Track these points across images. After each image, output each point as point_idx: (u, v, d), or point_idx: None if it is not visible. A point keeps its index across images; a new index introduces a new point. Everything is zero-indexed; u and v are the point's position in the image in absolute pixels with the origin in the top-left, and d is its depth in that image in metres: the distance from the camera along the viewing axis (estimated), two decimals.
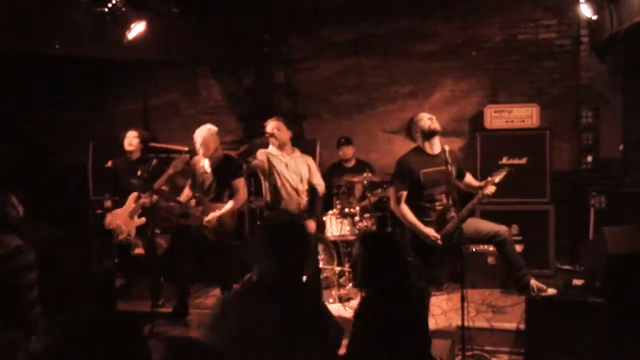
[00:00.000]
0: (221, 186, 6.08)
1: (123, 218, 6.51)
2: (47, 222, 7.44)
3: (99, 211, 7.20)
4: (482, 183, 5.24)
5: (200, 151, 6.04)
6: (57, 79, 8.59)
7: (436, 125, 5.17)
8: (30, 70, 7.96)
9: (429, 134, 5.16)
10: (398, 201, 5.18)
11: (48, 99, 8.87)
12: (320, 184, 6.27)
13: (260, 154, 6.02)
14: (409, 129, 5.33)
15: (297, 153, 6.24)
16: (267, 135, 5.98)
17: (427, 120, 5.17)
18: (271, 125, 6.04)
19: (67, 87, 8.85)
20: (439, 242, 5.06)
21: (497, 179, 5.18)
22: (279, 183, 6.02)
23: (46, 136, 9.01)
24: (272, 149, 6.09)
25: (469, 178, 5.50)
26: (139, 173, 6.41)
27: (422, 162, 5.17)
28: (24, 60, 7.32)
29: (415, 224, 5.11)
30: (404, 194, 5.17)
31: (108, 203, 6.72)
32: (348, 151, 7.68)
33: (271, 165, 6.00)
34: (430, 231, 5.08)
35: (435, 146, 5.22)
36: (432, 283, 5.53)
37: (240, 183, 6.06)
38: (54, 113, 9.02)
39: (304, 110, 8.72)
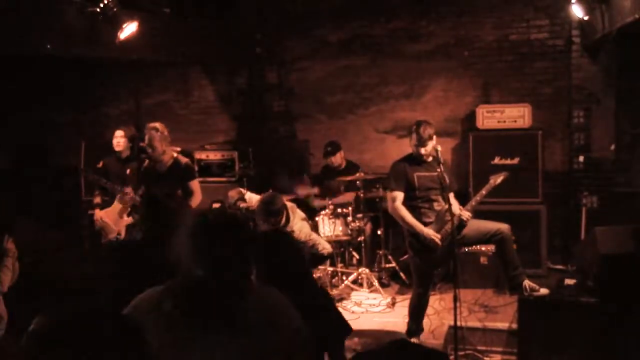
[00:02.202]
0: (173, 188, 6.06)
1: (112, 217, 6.50)
2: (40, 222, 7.45)
3: (90, 211, 7.19)
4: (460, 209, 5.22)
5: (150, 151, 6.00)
6: (49, 80, 8.55)
7: (424, 150, 5.19)
8: (23, 71, 7.93)
9: (418, 145, 5.19)
10: (395, 202, 5.19)
11: (41, 99, 8.84)
12: None
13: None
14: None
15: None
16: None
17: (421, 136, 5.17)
18: None
19: (60, 88, 8.82)
20: (439, 242, 5.05)
21: (499, 180, 5.22)
22: None
23: (39, 136, 8.97)
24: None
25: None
26: (128, 172, 6.42)
27: (415, 166, 5.20)
28: (16, 60, 7.29)
29: (415, 225, 5.11)
30: (400, 195, 5.18)
31: (97, 199, 6.73)
32: (336, 159, 7.60)
33: None
34: (430, 232, 5.08)
35: (428, 152, 5.24)
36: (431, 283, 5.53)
37: (195, 185, 6.10)
38: (47, 113, 8.99)
39: (297, 111, 8.71)
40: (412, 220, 5.13)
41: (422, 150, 5.17)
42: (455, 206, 5.25)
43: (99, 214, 6.60)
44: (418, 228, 5.09)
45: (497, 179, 5.29)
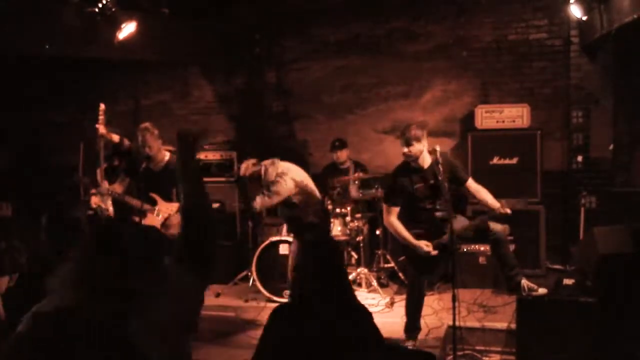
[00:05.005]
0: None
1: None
2: (40, 223, 7.44)
3: (90, 212, 7.18)
4: (500, 204, 5.19)
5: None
6: (48, 80, 8.55)
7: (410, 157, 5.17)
8: (22, 71, 7.93)
9: (403, 144, 5.17)
10: (390, 217, 5.20)
11: (40, 99, 8.84)
12: None
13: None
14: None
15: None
16: None
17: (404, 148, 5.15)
18: None
19: (59, 88, 8.82)
20: (432, 252, 5.06)
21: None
22: None
23: (39, 137, 8.97)
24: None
25: (473, 185, 5.37)
26: (116, 162, 6.39)
27: (414, 177, 5.16)
28: (16, 60, 7.29)
29: (407, 238, 5.12)
30: (397, 209, 5.20)
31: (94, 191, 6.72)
32: (342, 154, 7.57)
33: None
34: (421, 244, 5.09)
35: (425, 160, 5.21)
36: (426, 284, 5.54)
37: None
38: (46, 114, 8.99)
39: (296, 111, 8.71)
40: (406, 234, 5.14)
41: (406, 150, 5.12)
42: (489, 198, 5.26)
43: (95, 199, 6.57)
44: (410, 241, 5.11)
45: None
